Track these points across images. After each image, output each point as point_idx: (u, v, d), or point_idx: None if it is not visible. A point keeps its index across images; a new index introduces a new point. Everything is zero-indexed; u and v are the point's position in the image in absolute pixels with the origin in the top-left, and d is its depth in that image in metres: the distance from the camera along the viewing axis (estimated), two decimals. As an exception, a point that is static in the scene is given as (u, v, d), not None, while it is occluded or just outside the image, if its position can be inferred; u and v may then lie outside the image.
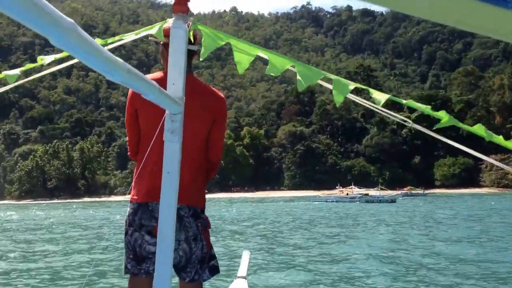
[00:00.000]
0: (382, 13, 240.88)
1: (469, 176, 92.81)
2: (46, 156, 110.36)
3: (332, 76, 2.26)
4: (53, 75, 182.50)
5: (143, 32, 2.64)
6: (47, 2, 0.79)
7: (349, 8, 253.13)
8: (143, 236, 2.77)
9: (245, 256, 5.14)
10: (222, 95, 2.97)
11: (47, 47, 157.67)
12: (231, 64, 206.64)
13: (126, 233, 2.83)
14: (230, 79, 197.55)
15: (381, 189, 65.78)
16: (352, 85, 2.18)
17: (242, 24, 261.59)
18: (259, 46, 2.38)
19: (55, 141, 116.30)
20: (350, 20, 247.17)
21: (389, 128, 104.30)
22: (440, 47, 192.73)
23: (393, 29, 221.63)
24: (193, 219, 2.79)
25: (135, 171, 2.84)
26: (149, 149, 2.59)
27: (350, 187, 63.77)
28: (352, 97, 2.37)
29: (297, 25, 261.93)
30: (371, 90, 2.24)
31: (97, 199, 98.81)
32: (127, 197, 2.83)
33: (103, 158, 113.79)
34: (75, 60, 2.25)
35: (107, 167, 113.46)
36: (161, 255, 2.02)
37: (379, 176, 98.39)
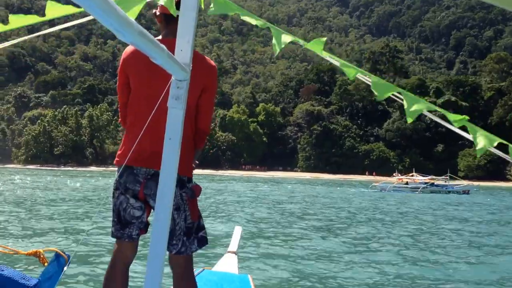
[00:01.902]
0: None
1: (495, 168, 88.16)
2: (54, 121, 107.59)
3: (403, 93, 2.13)
4: (71, 40, 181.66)
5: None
6: None
7: None
8: (128, 199, 2.77)
9: (237, 232, 5.39)
10: (213, 63, 2.90)
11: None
12: (252, 40, 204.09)
13: (113, 196, 2.83)
14: (250, 55, 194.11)
15: (451, 177, 57.57)
16: (423, 104, 2.07)
17: (265, 1, 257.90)
18: (268, 22, 2.30)
19: (64, 106, 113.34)
20: (378, 1, 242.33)
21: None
22: (469, 33, 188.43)
23: (422, 13, 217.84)
24: (178, 188, 2.67)
25: (124, 136, 2.90)
26: (137, 115, 2.73)
27: (411, 174, 55.99)
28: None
29: (322, 3, 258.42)
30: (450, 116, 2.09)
31: (104, 168, 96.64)
32: None
33: (112, 127, 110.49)
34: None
35: (117, 136, 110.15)
36: (158, 222, 1.98)
37: (399, 163, 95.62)
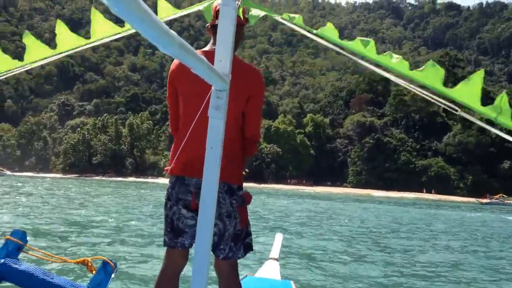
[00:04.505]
0: (468, 8, 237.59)
1: None
2: (94, 130, 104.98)
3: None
4: (120, 51, 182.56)
5: (193, 9, 2.72)
6: None
7: (432, 0, 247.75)
8: (180, 209, 2.86)
9: (278, 239, 5.60)
10: (259, 71, 2.98)
11: (118, 23, 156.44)
12: (301, 51, 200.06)
13: (165, 206, 2.92)
14: (299, 66, 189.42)
15: None
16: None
17: (317, 11, 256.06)
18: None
19: (105, 114, 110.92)
20: (433, 13, 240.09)
21: (475, 126, 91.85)
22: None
23: (480, 25, 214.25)
24: (228, 196, 2.80)
25: (172, 146, 2.99)
26: (192, 125, 2.74)
27: (499, 195, 49.83)
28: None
29: (375, 15, 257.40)
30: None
31: (143, 179, 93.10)
32: None
33: (153, 136, 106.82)
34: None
35: (158, 146, 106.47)
36: (202, 230, 2.04)
37: (460, 180, 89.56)
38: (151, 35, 1.13)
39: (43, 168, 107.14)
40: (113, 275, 2.21)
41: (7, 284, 2.09)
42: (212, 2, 2.60)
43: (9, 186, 42.04)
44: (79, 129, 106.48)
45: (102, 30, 2.39)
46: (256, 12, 2.39)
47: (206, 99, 2.04)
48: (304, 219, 22.27)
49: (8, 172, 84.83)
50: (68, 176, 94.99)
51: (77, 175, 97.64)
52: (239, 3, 2.28)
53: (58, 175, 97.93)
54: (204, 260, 2.00)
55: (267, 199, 41.68)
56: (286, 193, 62.26)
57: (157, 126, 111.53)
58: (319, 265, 10.05)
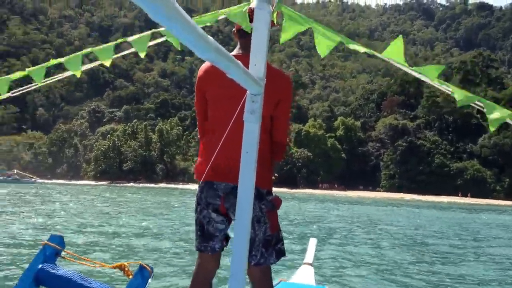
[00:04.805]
0: (500, 8, 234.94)
1: None
2: (124, 136, 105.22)
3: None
4: (150, 57, 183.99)
5: (222, 15, 2.73)
6: None
7: (464, 1, 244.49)
8: (210, 213, 2.90)
9: (312, 244, 5.50)
10: (287, 75, 3.01)
11: (146, 29, 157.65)
12: (332, 54, 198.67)
13: (195, 210, 2.98)
14: (329, 69, 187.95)
15: None
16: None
17: (346, 14, 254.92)
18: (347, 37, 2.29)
19: (134, 121, 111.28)
20: (465, 14, 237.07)
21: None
22: None
23: None
24: (257, 201, 2.75)
25: (200, 151, 3.07)
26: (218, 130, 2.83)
27: None
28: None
29: (405, 17, 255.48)
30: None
31: (174, 185, 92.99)
32: None
33: (183, 142, 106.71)
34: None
35: (187, 152, 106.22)
36: (238, 235, 2.04)
37: (497, 183, 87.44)
38: (189, 40, 1.15)
39: (74, 175, 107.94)
40: (149, 280, 2.22)
41: None
42: (242, 7, 2.53)
43: (42, 194, 42.31)
44: (109, 135, 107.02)
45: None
46: (292, 28, 2.27)
47: (240, 104, 2.06)
48: (338, 223, 22.04)
49: (39, 180, 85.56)
50: (99, 183, 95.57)
51: (108, 182, 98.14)
52: (274, 7, 2.24)
53: (89, 182, 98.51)
54: (241, 266, 1.99)
55: (300, 204, 40.90)
56: (318, 198, 61.21)
57: (186, 132, 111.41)
58: (353, 271, 10.01)
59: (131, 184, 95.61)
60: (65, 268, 2.15)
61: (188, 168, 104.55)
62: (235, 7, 2.58)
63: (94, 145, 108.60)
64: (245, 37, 2.84)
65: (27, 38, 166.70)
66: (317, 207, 37.49)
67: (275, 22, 2.51)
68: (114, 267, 2.23)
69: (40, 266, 2.11)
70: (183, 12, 1.05)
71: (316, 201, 51.94)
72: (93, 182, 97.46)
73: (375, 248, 13.86)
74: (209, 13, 2.71)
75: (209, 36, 1.25)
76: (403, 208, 45.06)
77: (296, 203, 41.80)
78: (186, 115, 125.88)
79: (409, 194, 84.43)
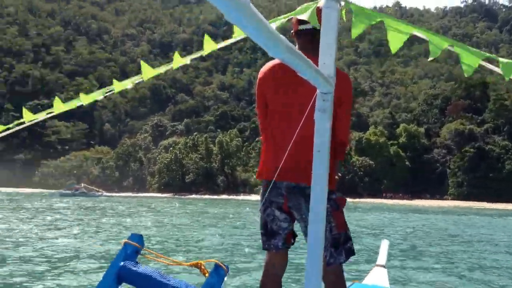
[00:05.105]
0: None
1: None
2: (185, 149, 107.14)
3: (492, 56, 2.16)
4: (209, 71, 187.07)
5: (289, 17, 2.70)
6: None
7: None
8: (274, 211, 2.95)
9: (384, 245, 5.42)
10: (347, 74, 3.05)
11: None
12: (391, 60, 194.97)
13: (260, 209, 3.02)
14: (389, 76, 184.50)
15: None
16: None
17: (405, 18, 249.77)
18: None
19: (195, 133, 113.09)
20: None
21: None
22: None
23: None
24: None
25: (262, 152, 3.09)
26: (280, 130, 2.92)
27: None
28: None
29: (467, 19, 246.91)
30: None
31: (235, 196, 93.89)
32: None
33: (243, 153, 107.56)
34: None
35: (248, 163, 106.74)
36: (313, 237, 2.02)
37: None
38: (261, 39, 1.16)
39: (140, 188, 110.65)
40: (225, 278, 2.26)
41: (127, 286, 2.19)
42: (309, 6, 2.49)
43: (110, 206, 43.75)
44: (171, 148, 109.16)
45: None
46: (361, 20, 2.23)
47: (312, 103, 2.04)
48: (408, 235, 21.12)
49: (105, 193, 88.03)
50: (164, 195, 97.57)
51: (172, 194, 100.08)
52: (342, 5, 2.25)
53: (154, 194, 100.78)
54: (316, 267, 1.98)
55: (364, 215, 39.65)
56: (383, 207, 59.68)
57: (246, 143, 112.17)
58: (426, 276, 10.01)
59: (194, 195, 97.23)
60: (145, 265, 2.22)
61: (249, 179, 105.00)
62: (303, 6, 2.54)
63: (158, 158, 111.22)
64: (302, 37, 2.92)
65: (93, 57, 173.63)
66: (382, 217, 36.65)
67: (344, 19, 2.46)
68: (191, 265, 2.26)
69: (122, 263, 2.18)
70: (257, 11, 1.07)
71: (381, 210, 50.74)
72: (157, 194, 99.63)
73: (447, 255, 13.62)
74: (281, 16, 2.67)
75: (281, 36, 1.26)
76: (476, 217, 43.19)
77: (361, 213, 40.92)
78: (245, 126, 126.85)
79: (479, 202, 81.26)
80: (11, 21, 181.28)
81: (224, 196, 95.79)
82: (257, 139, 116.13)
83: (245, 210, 37.27)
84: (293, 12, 2.59)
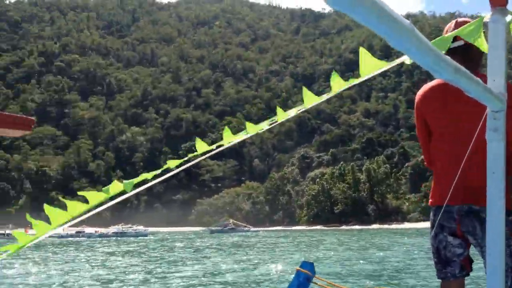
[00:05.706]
0: None
1: None
2: (332, 179, 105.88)
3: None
4: (353, 99, 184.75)
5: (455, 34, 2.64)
6: (388, 6, 0.88)
7: None
8: (447, 237, 2.84)
9: None
10: (510, 83, 2.79)
11: (347, 73, 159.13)
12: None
13: (431, 237, 2.92)
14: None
15: None
16: None
17: None
18: None
19: (341, 162, 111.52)
20: None
21: None
22: None
23: None
24: None
25: (432, 179, 3.03)
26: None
27: None
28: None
29: None
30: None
31: (387, 226, 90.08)
32: (423, 224, 2.87)
33: (392, 180, 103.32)
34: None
35: (398, 190, 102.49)
36: (491, 266, 1.91)
37: None
38: (426, 62, 1.15)
39: (290, 221, 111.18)
40: None
41: None
42: (474, 23, 2.41)
43: (265, 241, 46.40)
44: (318, 179, 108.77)
45: (370, 67, 2.25)
46: None
47: (481, 122, 1.98)
48: None
49: (253, 228, 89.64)
50: (313, 227, 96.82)
51: (321, 225, 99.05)
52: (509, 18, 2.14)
53: (303, 228, 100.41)
54: None
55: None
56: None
57: (395, 169, 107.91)
58: None
59: (343, 226, 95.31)
60: None
61: (401, 206, 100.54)
62: (467, 25, 2.48)
63: (305, 190, 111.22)
64: (457, 54, 2.72)
65: (240, 96, 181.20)
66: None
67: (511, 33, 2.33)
68: None
69: None
70: (420, 34, 1.06)
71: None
72: (307, 227, 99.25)
73: None
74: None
75: (447, 57, 1.24)
76: None
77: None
78: (393, 152, 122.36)
79: None
80: (165, 70, 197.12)
81: (375, 226, 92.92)
82: (406, 164, 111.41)
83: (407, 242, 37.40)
84: (456, 31, 2.51)
